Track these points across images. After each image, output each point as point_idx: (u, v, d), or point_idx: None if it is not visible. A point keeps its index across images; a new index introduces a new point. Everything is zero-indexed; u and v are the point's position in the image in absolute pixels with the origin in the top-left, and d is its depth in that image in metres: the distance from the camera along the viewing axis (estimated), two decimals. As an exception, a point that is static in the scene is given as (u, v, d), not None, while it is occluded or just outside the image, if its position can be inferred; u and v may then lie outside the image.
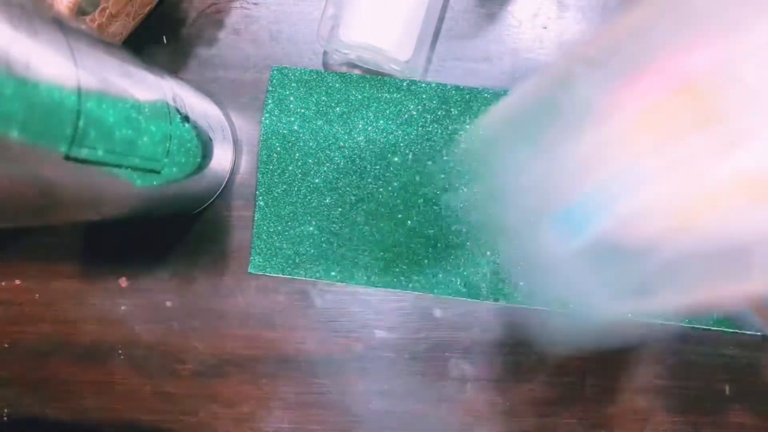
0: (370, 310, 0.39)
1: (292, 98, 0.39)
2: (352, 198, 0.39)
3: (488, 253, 0.39)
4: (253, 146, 0.40)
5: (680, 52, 0.21)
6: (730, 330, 0.38)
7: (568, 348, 0.37)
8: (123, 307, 0.40)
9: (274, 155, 0.39)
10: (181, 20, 0.40)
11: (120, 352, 0.40)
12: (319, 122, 0.39)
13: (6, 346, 0.41)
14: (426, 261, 0.39)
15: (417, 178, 0.39)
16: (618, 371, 0.39)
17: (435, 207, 0.39)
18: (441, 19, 0.39)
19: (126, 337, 0.40)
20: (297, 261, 0.39)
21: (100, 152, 0.24)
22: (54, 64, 0.21)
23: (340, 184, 0.39)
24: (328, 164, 0.39)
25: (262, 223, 0.39)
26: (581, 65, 0.24)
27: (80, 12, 0.33)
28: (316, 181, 0.39)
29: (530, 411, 0.39)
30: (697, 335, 0.38)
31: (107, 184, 0.27)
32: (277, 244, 0.39)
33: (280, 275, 0.39)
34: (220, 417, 0.40)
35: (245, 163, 0.40)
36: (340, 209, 0.39)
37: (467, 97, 0.39)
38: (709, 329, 0.38)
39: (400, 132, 0.39)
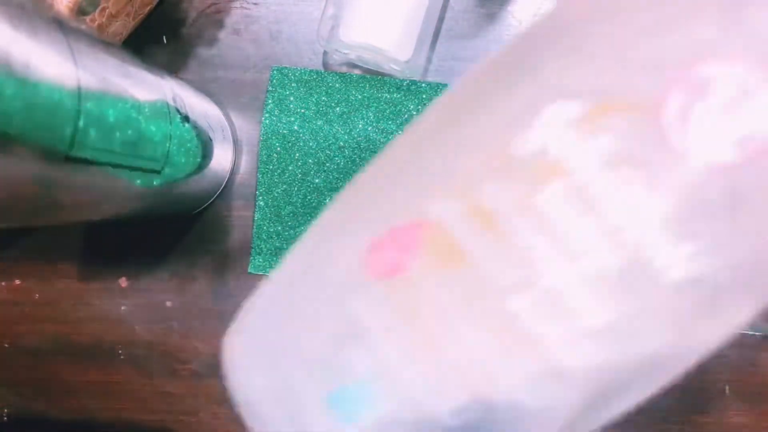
0: (370, 310, 0.39)
1: (292, 98, 0.39)
2: (352, 198, 0.39)
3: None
4: (253, 146, 0.40)
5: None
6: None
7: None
8: (123, 307, 0.40)
9: (274, 155, 0.39)
10: (181, 20, 0.40)
11: (120, 352, 0.40)
12: (319, 122, 0.39)
13: (6, 346, 0.41)
14: (426, 261, 0.39)
15: (417, 178, 0.39)
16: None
17: (435, 207, 0.39)
18: (441, 19, 0.39)
19: (126, 337, 0.40)
20: (297, 261, 0.39)
21: (100, 152, 0.24)
22: (54, 64, 0.21)
23: (341, 184, 0.39)
24: (328, 164, 0.39)
25: (262, 223, 0.39)
26: None
27: (80, 12, 0.33)
28: (316, 181, 0.39)
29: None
30: (697, 335, 0.38)
31: (107, 184, 0.27)
32: (277, 244, 0.39)
33: (280, 275, 0.39)
34: (220, 417, 0.40)
35: (245, 163, 0.40)
36: (340, 209, 0.39)
37: (467, 97, 0.39)
38: (709, 329, 0.38)
39: (400, 132, 0.39)
